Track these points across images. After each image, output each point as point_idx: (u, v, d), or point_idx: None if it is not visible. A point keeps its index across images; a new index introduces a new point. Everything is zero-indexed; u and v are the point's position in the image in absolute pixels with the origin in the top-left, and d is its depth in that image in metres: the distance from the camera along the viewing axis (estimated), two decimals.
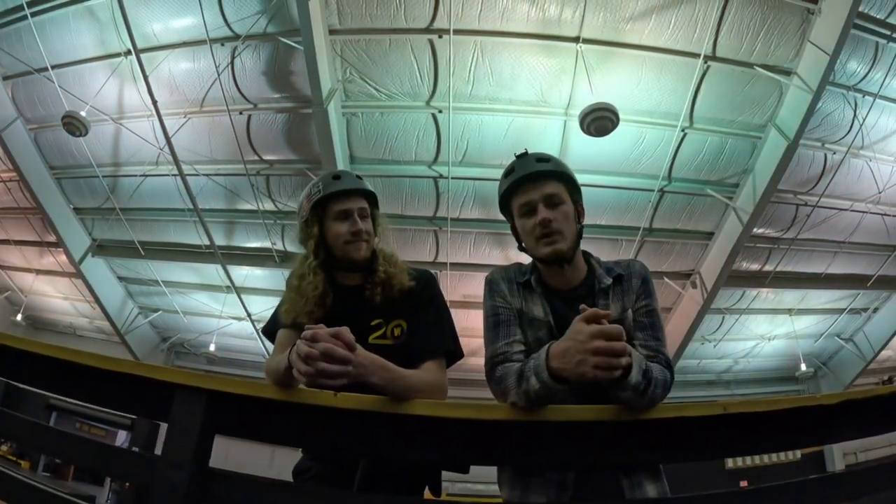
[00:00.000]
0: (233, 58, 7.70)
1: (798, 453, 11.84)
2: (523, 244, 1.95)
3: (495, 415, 1.54)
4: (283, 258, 9.84)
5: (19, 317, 13.54)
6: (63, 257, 11.31)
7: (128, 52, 7.71)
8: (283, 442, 1.76)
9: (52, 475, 12.27)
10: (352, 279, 2.11)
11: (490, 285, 1.96)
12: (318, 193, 2.07)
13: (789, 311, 11.53)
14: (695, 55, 7.13)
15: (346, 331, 1.54)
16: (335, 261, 2.09)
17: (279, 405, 1.54)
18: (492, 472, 1.82)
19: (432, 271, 2.28)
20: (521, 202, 1.88)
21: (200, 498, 1.43)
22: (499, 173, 1.98)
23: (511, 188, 1.90)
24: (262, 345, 11.84)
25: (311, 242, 2.08)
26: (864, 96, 7.79)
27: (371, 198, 2.18)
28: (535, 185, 1.86)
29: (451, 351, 2.04)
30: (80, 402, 8.13)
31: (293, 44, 7.19)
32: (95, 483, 12.48)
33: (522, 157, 1.92)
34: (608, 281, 1.87)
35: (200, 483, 1.44)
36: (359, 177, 2.16)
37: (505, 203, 1.97)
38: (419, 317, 2.05)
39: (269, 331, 2.17)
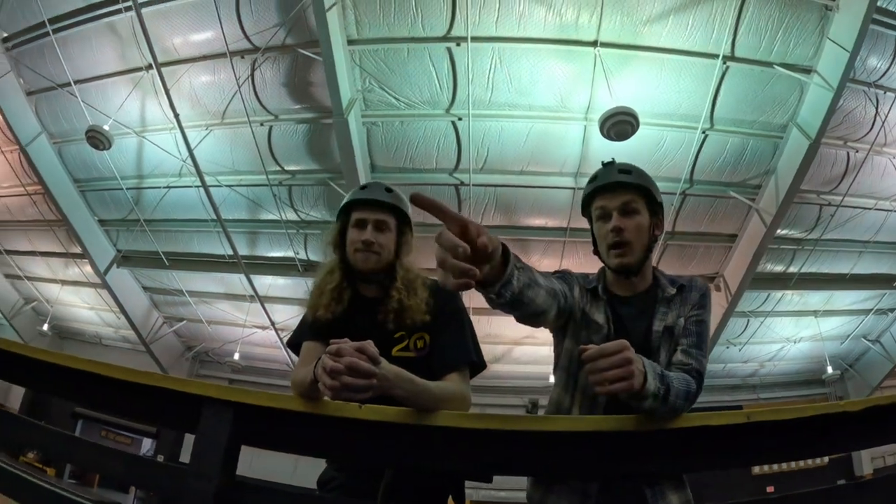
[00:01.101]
0: (253, 70, 7.79)
1: (825, 458, 11.66)
2: (598, 248, 1.99)
3: (518, 426, 1.53)
4: (306, 267, 9.92)
5: (45, 326, 13.80)
6: (88, 268, 11.53)
7: (149, 67, 7.83)
8: (309, 453, 1.77)
9: (78, 482, 12.40)
10: (370, 290, 2.13)
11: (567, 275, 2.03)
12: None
13: (815, 313, 11.36)
14: (713, 56, 7.09)
15: (370, 345, 1.53)
16: (352, 268, 2.12)
17: (305, 417, 1.56)
18: (515, 479, 1.82)
19: None
20: (598, 206, 1.94)
21: None
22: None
23: (592, 194, 1.97)
24: (286, 354, 11.92)
25: (331, 245, 2.17)
26: (885, 92, 7.68)
27: (399, 214, 2.16)
28: (613, 193, 1.91)
29: (474, 362, 2.04)
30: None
31: (312, 55, 7.25)
32: (121, 490, 12.59)
33: (608, 165, 1.97)
34: (672, 291, 1.91)
35: (228, 494, 1.46)
36: (389, 189, 2.16)
37: (585, 207, 2.04)
38: (442, 330, 2.05)
39: (294, 343, 2.18)
